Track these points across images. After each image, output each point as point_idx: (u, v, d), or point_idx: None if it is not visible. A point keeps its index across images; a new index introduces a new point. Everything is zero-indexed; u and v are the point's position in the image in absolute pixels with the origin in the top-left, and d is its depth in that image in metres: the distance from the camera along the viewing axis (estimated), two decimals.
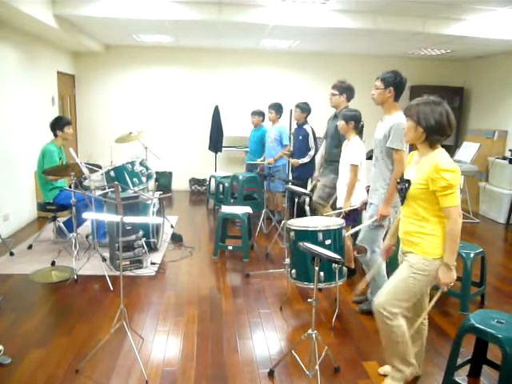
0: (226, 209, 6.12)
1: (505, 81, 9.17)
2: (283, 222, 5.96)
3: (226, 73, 10.15)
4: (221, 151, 9.66)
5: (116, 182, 3.60)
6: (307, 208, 6.55)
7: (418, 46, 8.48)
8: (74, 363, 3.49)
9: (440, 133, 2.84)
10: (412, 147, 3.22)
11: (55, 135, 6.01)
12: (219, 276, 5.46)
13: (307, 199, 6.50)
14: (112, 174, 5.76)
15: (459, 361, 3.23)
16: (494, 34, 7.00)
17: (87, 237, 6.17)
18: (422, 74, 10.24)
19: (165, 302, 4.69)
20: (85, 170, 5.51)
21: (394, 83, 4.00)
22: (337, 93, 5.47)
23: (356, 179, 4.81)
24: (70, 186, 5.34)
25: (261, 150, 7.76)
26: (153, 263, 5.62)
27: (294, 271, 4.33)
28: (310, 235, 4.18)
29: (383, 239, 4.02)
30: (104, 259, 5.42)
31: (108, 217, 5.04)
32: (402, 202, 3.06)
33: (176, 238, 6.65)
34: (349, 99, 5.51)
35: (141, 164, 6.07)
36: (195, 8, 6.43)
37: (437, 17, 6.75)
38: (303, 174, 6.77)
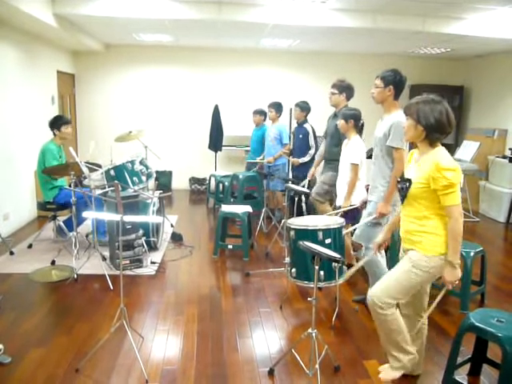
0: (226, 208, 6.12)
1: (505, 80, 9.17)
2: (283, 220, 5.96)
3: (226, 72, 10.15)
4: (221, 150, 9.66)
5: (116, 181, 3.60)
6: (303, 205, 6.55)
7: (417, 44, 8.48)
8: (74, 362, 3.49)
9: (440, 131, 2.84)
10: (412, 145, 3.21)
11: (54, 134, 6.01)
12: (219, 275, 5.46)
13: (303, 197, 6.49)
14: (112, 173, 5.76)
15: (459, 359, 3.23)
16: (493, 33, 6.99)
17: (87, 236, 6.18)
18: (422, 72, 10.25)
19: (165, 301, 4.69)
20: (84, 169, 5.50)
21: (394, 82, 4.00)
22: (336, 92, 5.46)
23: (356, 178, 4.81)
24: (69, 185, 5.33)
25: (262, 148, 7.75)
26: (153, 262, 5.62)
27: (293, 270, 4.32)
28: (310, 234, 4.18)
29: None
30: (104, 258, 5.42)
31: (108, 216, 5.04)
32: (403, 201, 3.05)
33: (176, 237, 6.65)
34: (348, 98, 5.51)
35: (141, 163, 6.07)
36: (195, 7, 6.43)
37: (437, 16, 6.75)
38: (303, 172, 6.76)
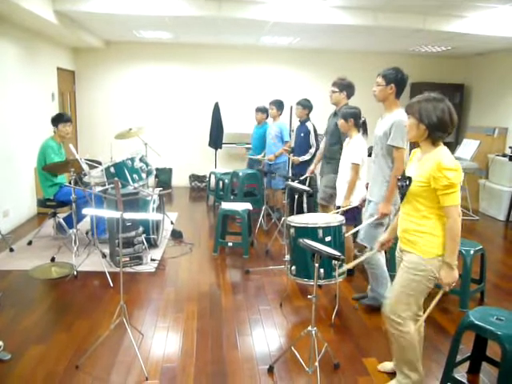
0: (225, 205, 6.12)
1: (505, 78, 9.16)
2: (283, 218, 5.96)
3: (226, 69, 10.14)
4: (221, 148, 9.65)
5: (116, 179, 3.61)
6: (305, 206, 6.54)
7: (418, 42, 8.48)
8: (74, 359, 3.50)
9: (442, 129, 2.81)
10: (414, 145, 3.20)
11: (54, 131, 6.00)
12: (219, 272, 5.46)
13: (304, 196, 6.48)
14: (112, 170, 5.76)
15: (459, 357, 3.24)
16: (494, 31, 6.99)
17: (87, 233, 6.18)
18: (423, 71, 10.25)
19: (164, 298, 4.69)
20: (84, 167, 5.50)
21: (396, 80, 3.99)
22: (337, 90, 5.45)
23: (357, 178, 4.80)
24: (69, 183, 5.33)
25: (263, 146, 7.74)
26: (153, 259, 5.63)
27: (293, 268, 4.33)
28: (310, 232, 4.18)
29: None
30: (104, 255, 5.42)
31: (108, 213, 5.04)
32: (402, 199, 3.04)
33: (176, 235, 6.65)
34: (349, 96, 5.49)
35: (141, 160, 6.07)
36: (195, 4, 6.42)
37: (437, 14, 6.74)
38: (303, 171, 6.75)
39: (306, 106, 6.85)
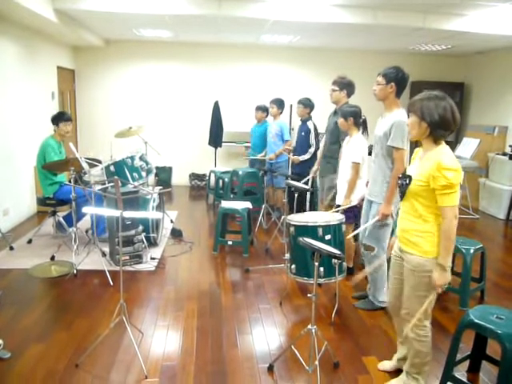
0: (225, 204, 6.12)
1: (505, 76, 9.15)
2: (283, 217, 5.96)
3: (226, 68, 10.13)
4: (221, 146, 9.64)
5: (116, 177, 3.60)
6: (307, 204, 6.54)
7: (418, 41, 8.47)
8: (74, 358, 3.50)
9: (444, 128, 2.79)
10: (415, 144, 3.19)
11: (54, 130, 6.00)
12: (219, 271, 5.46)
13: (308, 194, 6.48)
14: (112, 168, 5.76)
15: (458, 356, 3.23)
16: (494, 30, 6.98)
17: (87, 231, 6.18)
18: (423, 69, 10.23)
19: (164, 296, 4.69)
20: (84, 165, 5.50)
21: (396, 79, 3.97)
22: (337, 89, 5.44)
23: (357, 177, 4.80)
24: (69, 181, 5.33)
25: (263, 145, 7.73)
26: (152, 258, 5.63)
27: (293, 266, 4.33)
28: (309, 230, 4.18)
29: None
30: (104, 254, 5.42)
31: (108, 211, 5.04)
32: (402, 197, 3.03)
33: (176, 233, 6.65)
34: (349, 95, 5.48)
35: (141, 159, 6.07)
36: (195, 2, 6.41)
37: (437, 12, 6.73)
38: (304, 170, 6.74)
39: (308, 104, 6.84)
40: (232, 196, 7.74)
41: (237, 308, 4.49)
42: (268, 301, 4.67)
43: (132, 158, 5.94)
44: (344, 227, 4.40)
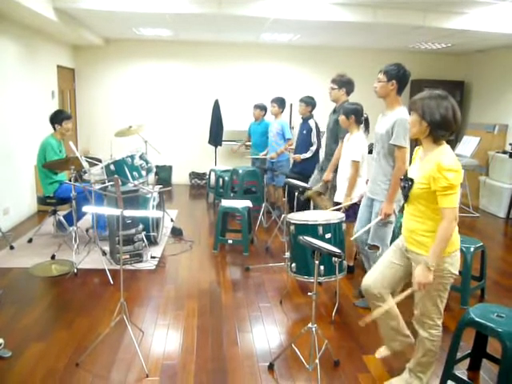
0: (225, 203, 6.12)
1: (505, 75, 9.15)
2: (283, 216, 5.96)
3: (226, 67, 10.12)
4: (221, 145, 9.64)
5: (116, 176, 3.60)
6: (311, 202, 6.52)
7: (418, 39, 8.46)
8: (74, 357, 3.50)
9: (445, 128, 2.76)
10: (416, 143, 3.18)
11: (54, 129, 6.00)
12: (219, 270, 5.46)
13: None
14: (112, 167, 5.75)
15: (459, 354, 3.23)
16: (494, 28, 6.98)
17: (87, 231, 6.18)
18: (423, 68, 10.23)
19: (165, 295, 4.70)
20: (85, 164, 5.50)
21: (397, 76, 3.96)
22: (336, 87, 5.43)
23: (357, 175, 4.80)
24: (69, 180, 5.33)
25: (264, 143, 7.73)
26: (153, 257, 5.63)
27: (293, 265, 4.33)
28: (310, 229, 4.18)
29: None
30: (104, 253, 5.43)
31: (108, 210, 5.04)
32: (406, 199, 3.02)
33: (176, 232, 6.65)
34: (348, 93, 5.48)
35: (141, 158, 6.07)
36: (195, 1, 6.40)
37: (437, 10, 6.73)
38: (305, 169, 6.73)
39: (309, 103, 6.83)
40: (232, 195, 7.74)
41: (237, 307, 4.49)
42: (268, 299, 4.67)
43: (132, 156, 5.94)
44: (344, 226, 4.40)
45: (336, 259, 4.08)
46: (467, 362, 3.50)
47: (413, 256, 3.01)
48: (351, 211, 4.84)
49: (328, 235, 4.20)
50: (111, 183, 5.52)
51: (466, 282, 4.56)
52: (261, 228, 7.03)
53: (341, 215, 4.41)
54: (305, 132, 6.86)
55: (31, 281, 4.95)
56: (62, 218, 6.16)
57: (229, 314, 4.34)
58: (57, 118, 5.96)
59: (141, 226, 5.44)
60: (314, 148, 6.78)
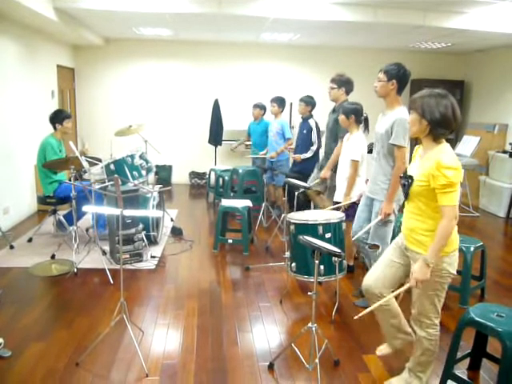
0: (225, 202, 6.12)
1: (505, 74, 9.15)
2: (283, 215, 5.96)
3: (226, 66, 10.12)
4: (221, 144, 9.64)
5: (116, 175, 3.59)
6: (312, 202, 6.52)
7: (418, 39, 8.46)
8: (74, 356, 3.50)
9: (445, 126, 2.76)
10: (416, 142, 3.18)
11: (54, 129, 6.00)
12: (219, 269, 5.46)
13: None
14: (112, 167, 5.75)
15: (459, 354, 3.23)
16: (494, 28, 6.98)
17: (87, 230, 6.17)
18: (423, 67, 10.23)
19: (165, 295, 4.69)
20: (84, 164, 5.50)
21: (398, 76, 3.95)
22: (335, 86, 5.43)
23: (356, 174, 4.79)
24: (69, 179, 5.33)
25: (264, 143, 7.73)
26: (153, 256, 5.63)
27: (293, 265, 4.33)
28: (310, 229, 4.18)
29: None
30: (104, 252, 5.43)
31: (108, 210, 5.04)
32: (406, 197, 3.02)
33: (176, 232, 6.65)
34: (348, 92, 5.48)
35: (141, 157, 6.07)
36: (195, 1, 6.40)
37: (438, 10, 6.73)
38: (306, 168, 6.73)
39: (309, 102, 6.83)
40: (232, 194, 7.74)
41: (237, 306, 4.49)
42: (268, 299, 4.67)
43: (132, 156, 5.93)
44: (344, 225, 4.41)
45: (336, 259, 4.08)
46: (467, 361, 3.51)
47: (412, 255, 3.01)
48: (351, 210, 4.84)
49: (328, 235, 4.20)
50: (111, 183, 5.52)
51: (465, 281, 4.56)
52: (261, 227, 7.03)
53: (341, 215, 4.41)
54: (305, 131, 6.86)
55: (31, 280, 4.95)
56: (61, 218, 6.15)
57: (229, 313, 4.34)
58: (57, 118, 5.96)
59: (141, 226, 5.44)
60: (314, 148, 6.78)
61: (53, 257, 5.48)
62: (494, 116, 9.39)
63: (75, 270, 5.09)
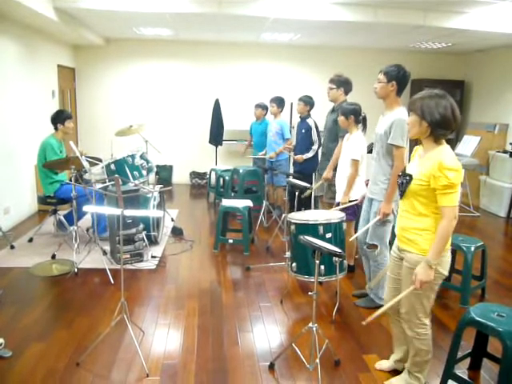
0: (226, 202, 6.12)
1: (506, 74, 9.15)
2: (284, 215, 5.96)
3: (227, 66, 10.12)
4: (221, 144, 9.65)
5: (116, 175, 3.60)
6: (312, 202, 6.52)
7: (418, 39, 8.46)
8: (75, 356, 3.50)
9: (445, 127, 2.76)
10: (415, 142, 3.17)
11: (56, 129, 6.00)
12: (220, 269, 5.46)
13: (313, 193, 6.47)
14: (112, 167, 5.75)
15: (459, 354, 3.23)
16: (495, 28, 6.97)
17: (88, 230, 6.18)
18: (423, 67, 10.23)
19: (165, 295, 4.70)
20: (85, 164, 5.50)
21: (397, 77, 3.95)
22: (334, 87, 5.44)
23: (356, 174, 4.80)
24: (70, 180, 5.33)
25: (264, 143, 7.72)
26: (153, 256, 5.63)
27: (294, 264, 4.33)
28: (310, 229, 4.18)
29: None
30: (105, 252, 5.43)
31: (109, 210, 5.04)
32: (402, 195, 3.02)
33: (176, 232, 6.65)
34: (346, 93, 5.48)
35: (141, 157, 6.07)
36: (195, 1, 6.40)
37: (438, 10, 6.72)
38: (307, 168, 6.72)
39: (308, 102, 6.83)
40: (233, 194, 7.74)
41: (237, 306, 4.49)
42: (269, 299, 4.67)
43: (132, 156, 5.94)
44: (345, 225, 4.41)
45: (337, 259, 4.08)
46: (468, 361, 3.51)
47: (405, 255, 3.02)
48: (351, 210, 4.84)
49: (329, 235, 4.20)
50: (112, 183, 5.52)
51: (466, 281, 4.56)
52: (261, 227, 7.03)
53: (341, 215, 4.41)
54: (303, 131, 6.85)
55: (31, 280, 4.95)
56: (62, 218, 6.16)
57: (229, 313, 4.34)
58: (59, 118, 5.96)
59: (141, 226, 5.44)
60: (315, 147, 6.76)
61: (53, 257, 5.48)
62: (494, 116, 9.39)
63: (76, 269, 5.09)
